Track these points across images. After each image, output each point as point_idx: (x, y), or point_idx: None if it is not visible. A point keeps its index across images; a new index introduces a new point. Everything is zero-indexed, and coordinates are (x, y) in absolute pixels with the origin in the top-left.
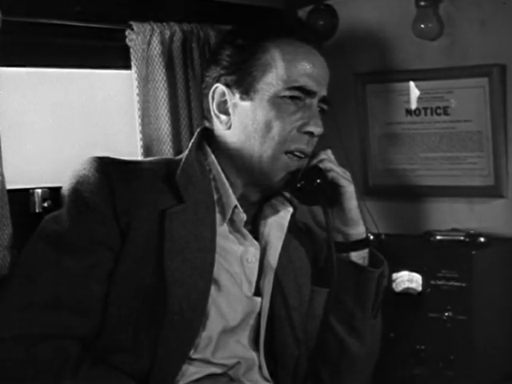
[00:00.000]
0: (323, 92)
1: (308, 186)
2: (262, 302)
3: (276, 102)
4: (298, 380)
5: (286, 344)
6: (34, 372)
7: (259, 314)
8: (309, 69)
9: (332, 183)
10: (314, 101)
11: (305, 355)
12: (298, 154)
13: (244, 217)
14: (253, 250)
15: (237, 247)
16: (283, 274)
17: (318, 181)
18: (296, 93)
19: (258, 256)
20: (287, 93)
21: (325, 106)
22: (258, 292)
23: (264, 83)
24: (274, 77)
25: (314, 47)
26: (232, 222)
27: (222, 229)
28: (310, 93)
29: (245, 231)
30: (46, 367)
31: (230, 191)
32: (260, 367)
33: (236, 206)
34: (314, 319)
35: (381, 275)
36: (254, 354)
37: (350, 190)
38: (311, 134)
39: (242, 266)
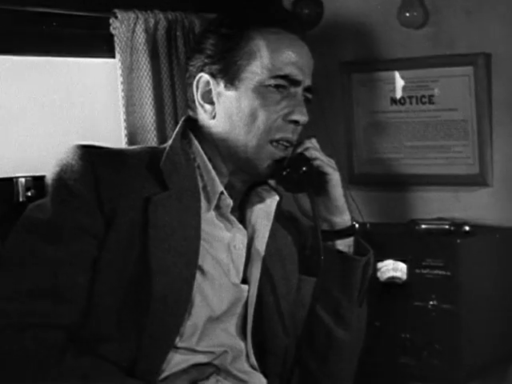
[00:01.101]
0: (308, 81)
1: (294, 174)
2: (249, 290)
3: (261, 90)
4: (287, 368)
5: (275, 332)
6: (19, 361)
7: (246, 303)
8: (294, 57)
9: (317, 171)
10: (299, 90)
11: (293, 343)
12: (283, 142)
13: (230, 202)
14: (240, 237)
15: (224, 234)
16: (271, 262)
17: (304, 169)
18: (281, 81)
19: (245, 243)
20: (272, 81)
21: (309, 95)
22: (245, 280)
23: (249, 72)
24: (259, 65)
25: (298, 36)
26: (218, 209)
27: (209, 215)
28: (294, 82)
29: (232, 217)
30: (30, 356)
31: (216, 177)
32: (247, 356)
33: (222, 192)
34: (302, 308)
35: (366, 263)
36: (241, 343)
37: (335, 177)
38: (296, 122)
39: (229, 252)
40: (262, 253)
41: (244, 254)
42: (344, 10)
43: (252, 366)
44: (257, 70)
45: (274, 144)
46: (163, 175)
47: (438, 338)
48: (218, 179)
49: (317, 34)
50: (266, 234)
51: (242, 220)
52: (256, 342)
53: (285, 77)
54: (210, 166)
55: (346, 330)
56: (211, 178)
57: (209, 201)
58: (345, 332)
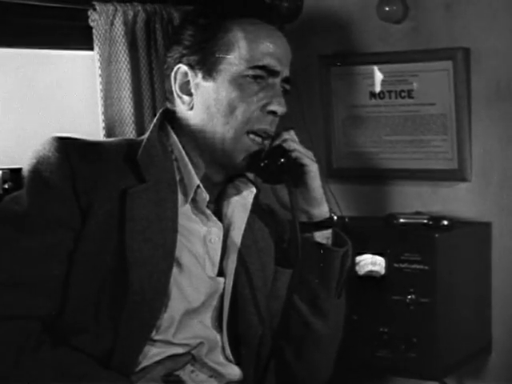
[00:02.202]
0: (286, 72)
1: (272, 166)
2: (225, 283)
3: (239, 81)
4: (262, 360)
5: (249, 324)
6: None
7: (222, 295)
8: (271, 48)
9: (296, 162)
10: (277, 80)
11: (268, 335)
12: (261, 134)
13: (207, 196)
14: (216, 231)
15: (200, 227)
16: (247, 255)
17: (282, 160)
18: (259, 72)
19: (221, 236)
20: (250, 72)
21: (287, 86)
22: (221, 272)
23: (226, 63)
24: (237, 56)
25: (276, 27)
26: (195, 203)
27: (185, 209)
28: (272, 72)
29: (208, 211)
30: (5, 347)
31: (193, 171)
32: (223, 348)
33: (198, 186)
34: (278, 299)
35: (345, 254)
36: (216, 335)
37: (313, 169)
38: (274, 113)
39: (205, 246)
40: (238, 245)
41: (219, 248)
42: (323, 4)
43: (227, 358)
44: (235, 60)
45: (251, 136)
46: (140, 168)
47: (416, 332)
48: (194, 173)
49: (296, 27)
50: (242, 227)
51: (219, 212)
52: (231, 333)
53: (263, 67)
54: (186, 158)
55: (323, 321)
56: (188, 171)
57: (185, 194)
58: (322, 323)
